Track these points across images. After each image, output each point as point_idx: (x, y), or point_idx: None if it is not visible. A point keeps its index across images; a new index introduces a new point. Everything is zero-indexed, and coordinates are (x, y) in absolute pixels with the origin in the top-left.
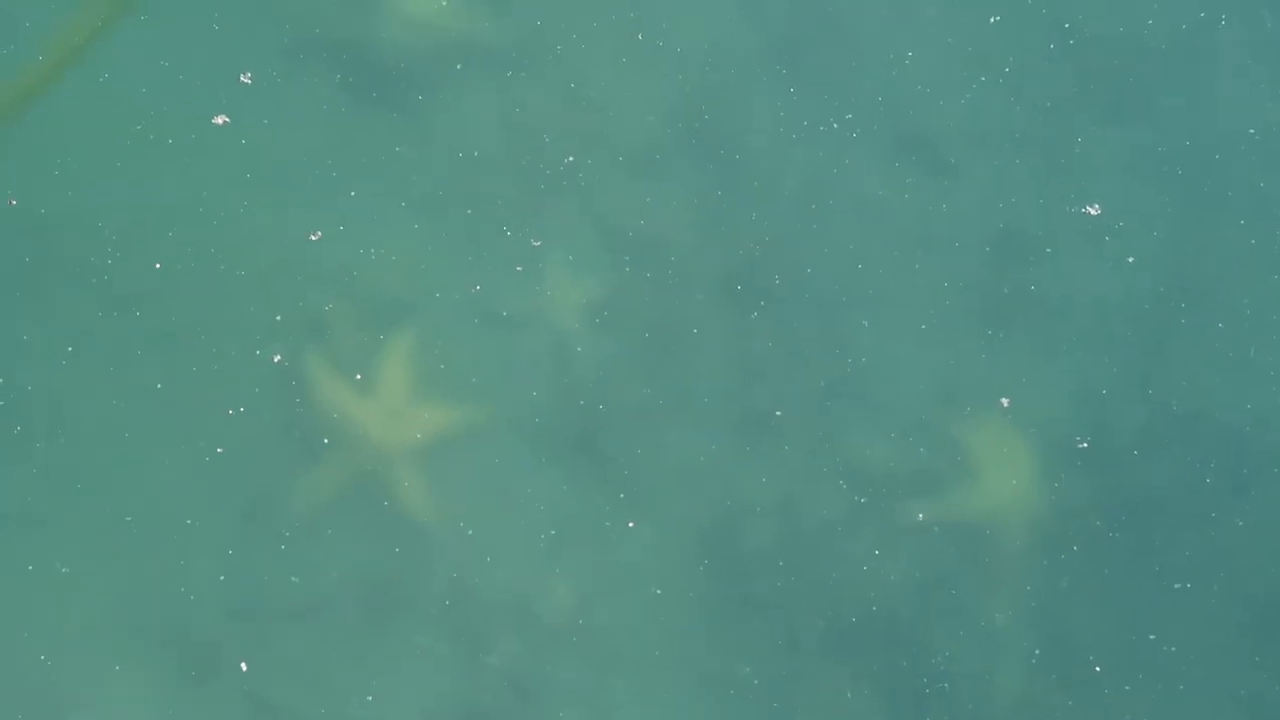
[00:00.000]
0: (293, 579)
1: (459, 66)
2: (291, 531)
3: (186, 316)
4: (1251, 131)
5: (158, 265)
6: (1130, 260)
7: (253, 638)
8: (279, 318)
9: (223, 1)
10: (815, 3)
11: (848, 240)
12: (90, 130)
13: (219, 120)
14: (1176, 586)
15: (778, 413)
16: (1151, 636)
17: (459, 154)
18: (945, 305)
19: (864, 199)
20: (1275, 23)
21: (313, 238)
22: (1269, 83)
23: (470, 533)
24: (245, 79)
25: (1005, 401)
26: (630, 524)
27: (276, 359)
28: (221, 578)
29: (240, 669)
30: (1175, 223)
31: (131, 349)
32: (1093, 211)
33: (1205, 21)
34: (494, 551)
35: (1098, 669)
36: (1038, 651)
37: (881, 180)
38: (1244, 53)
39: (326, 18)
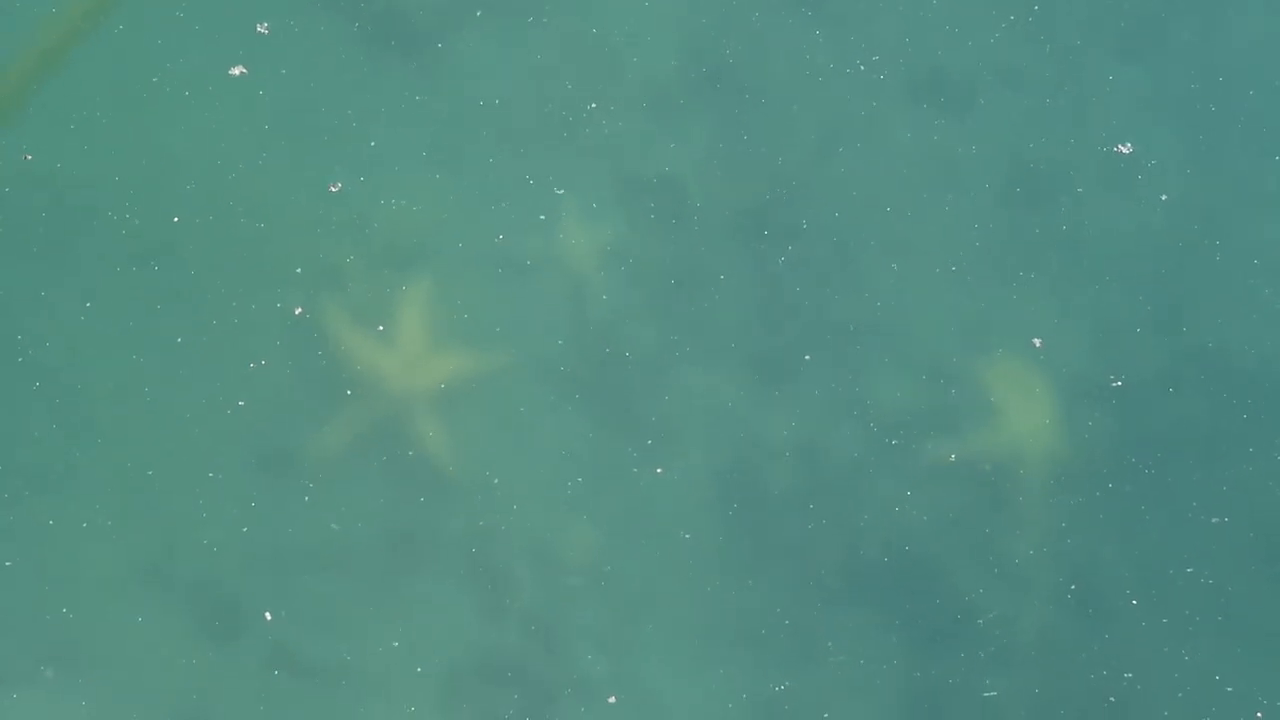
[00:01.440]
0: (316, 529)
1: (478, 13)
2: (314, 482)
3: (205, 270)
4: None
5: (176, 219)
6: (1163, 198)
7: (276, 588)
8: (299, 270)
9: None
10: None
11: (873, 182)
12: (106, 84)
13: (236, 71)
14: (1214, 520)
15: (805, 356)
16: (1189, 570)
17: (479, 102)
18: (973, 246)
19: (890, 140)
20: None
21: (332, 189)
22: None
23: (494, 480)
24: (262, 29)
25: (1038, 342)
26: (657, 470)
27: (298, 311)
28: (244, 529)
29: (264, 619)
30: (1208, 161)
31: (151, 303)
32: (1124, 150)
33: None
34: (517, 499)
35: (1134, 603)
36: (1073, 587)
37: (908, 121)
38: None
39: None
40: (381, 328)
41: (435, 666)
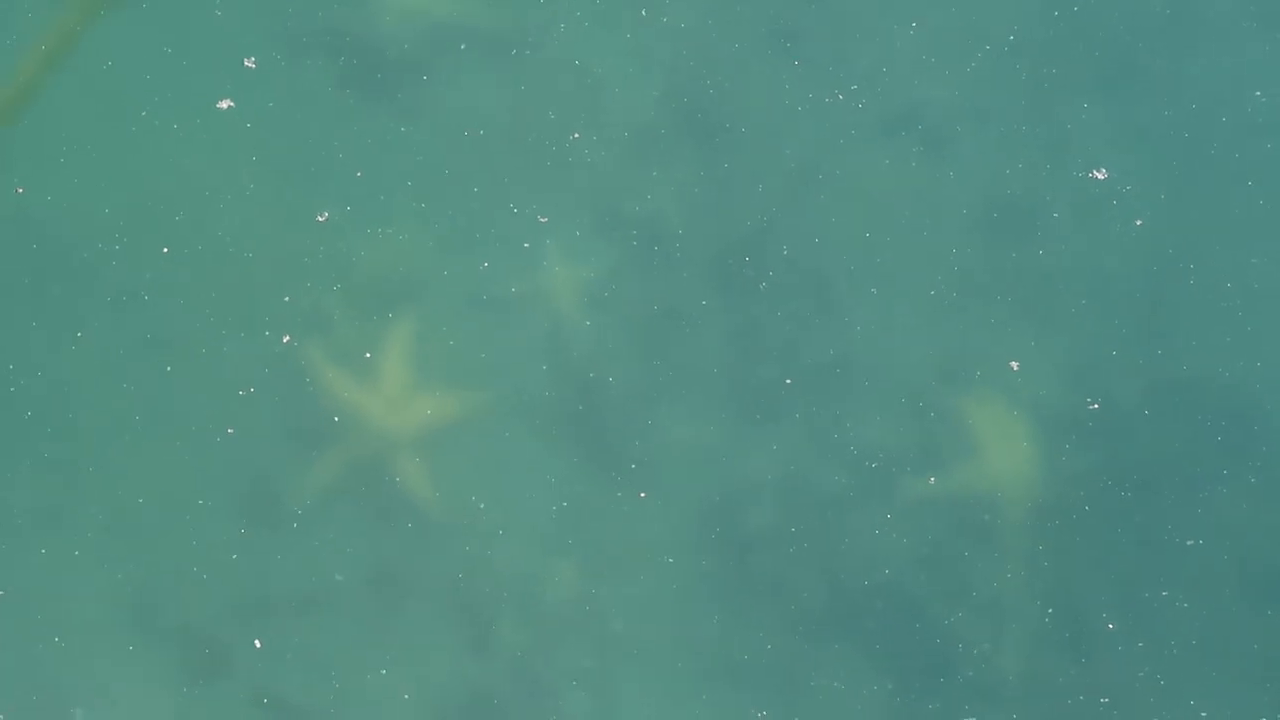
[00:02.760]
0: (300, 566)
1: (462, 46)
2: (301, 512)
3: (194, 301)
4: (1258, 94)
5: (165, 250)
6: (1138, 224)
7: (262, 622)
8: (287, 299)
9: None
10: None
11: (852, 211)
12: (95, 117)
13: (224, 105)
14: (1189, 544)
15: (786, 386)
16: (1164, 593)
17: (464, 133)
18: (951, 274)
19: (868, 170)
20: None
21: (319, 219)
22: (1274, 45)
23: (477, 516)
24: (249, 64)
25: (1015, 365)
26: (640, 498)
27: (285, 340)
28: (230, 562)
29: (250, 654)
30: (1182, 187)
31: (140, 334)
32: (1099, 176)
33: None
34: (500, 534)
35: (1110, 627)
36: (1050, 611)
37: (885, 151)
38: (1249, 17)
39: (330, 1)
40: (368, 355)
41: (419, 704)
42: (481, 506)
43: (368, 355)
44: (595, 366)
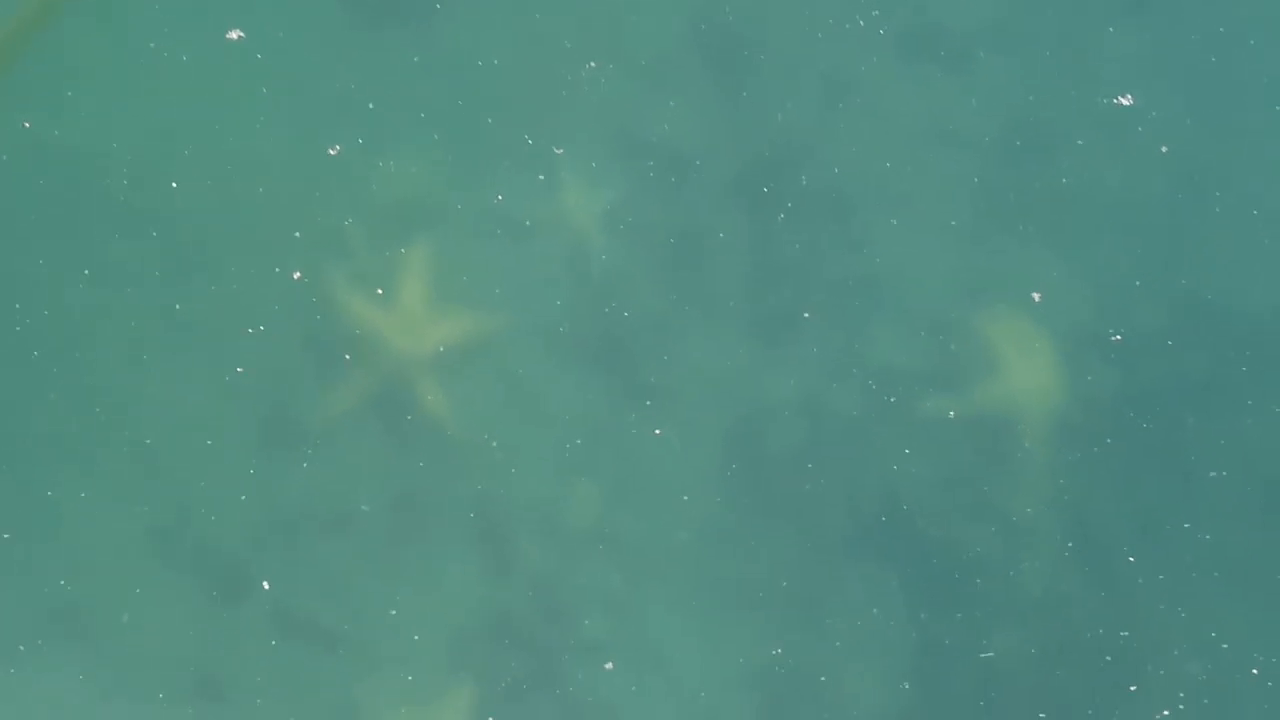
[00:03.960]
0: (317, 494)
1: None
2: (314, 448)
3: (204, 236)
4: None
5: (174, 185)
6: (1164, 150)
7: (279, 554)
8: (298, 234)
9: None
10: None
11: (874, 139)
12: (102, 50)
13: (233, 35)
14: (1212, 475)
15: (805, 314)
16: (1186, 525)
17: (478, 63)
18: (974, 201)
19: (889, 96)
20: None
21: (331, 152)
22: None
23: (494, 443)
24: None
25: (1037, 296)
26: (656, 431)
27: (296, 276)
28: (243, 496)
29: (264, 586)
30: (1209, 112)
31: (149, 270)
32: (1125, 102)
33: None
34: (518, 461)
35: (1131, 559)
36: (1070, 544)
37: (907, 76)
38: None
39: None
40: (381, 291)
41: (436, 631)
42: (499, 432)
43: (380, 291)
44: (612, 294)
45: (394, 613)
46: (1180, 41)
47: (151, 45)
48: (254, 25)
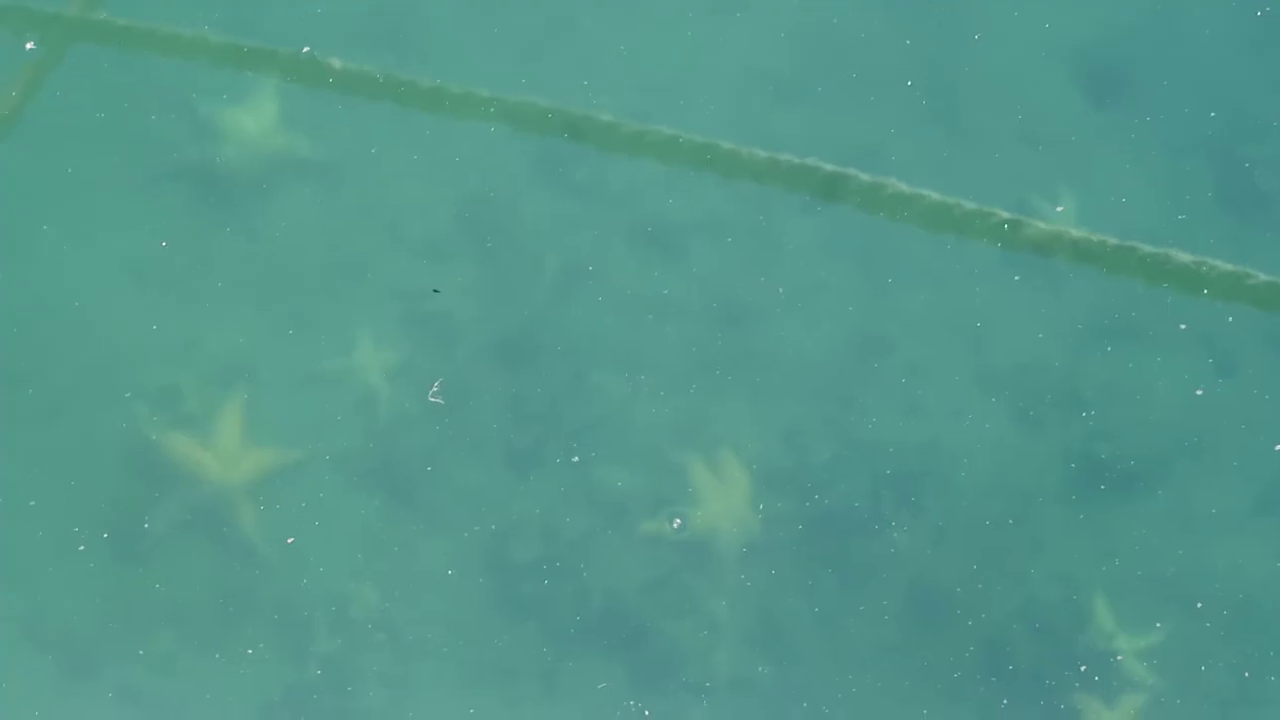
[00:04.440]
0: (156, 593)
1: (289, 178)
2: (155, 556)
3: (62, 388)
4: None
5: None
6: (824, 324)
7: (128, 640)
8: (140, 385)
9: (101, 135)
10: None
11: (600, 311)
12: None
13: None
14: (871, 582)
15: (548, 451)
16: (853, 616)
17: (289, 249)
18: (686, 360)
19: (616, 277)
20: None
21: (156, 324)
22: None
23: (299, 552)
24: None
25: (732, 439)
26: (430, 542)
27: (139, 419)
28: (101, 594)
29: (119, 658)
30: (861, 290)
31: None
32: (781, 291)
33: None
34: (318, 566)
35: (811, 644)
36: (759, 631)
37: (631, 263)
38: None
39: (181, 143)
40: (205, 431)
41: (246, 704)
42: (300, 543)
43: (204, 431)
44: (394, 432)
45: (219, 685)
46: (859, 227)
47: (44, 229)
48: (110, 227)
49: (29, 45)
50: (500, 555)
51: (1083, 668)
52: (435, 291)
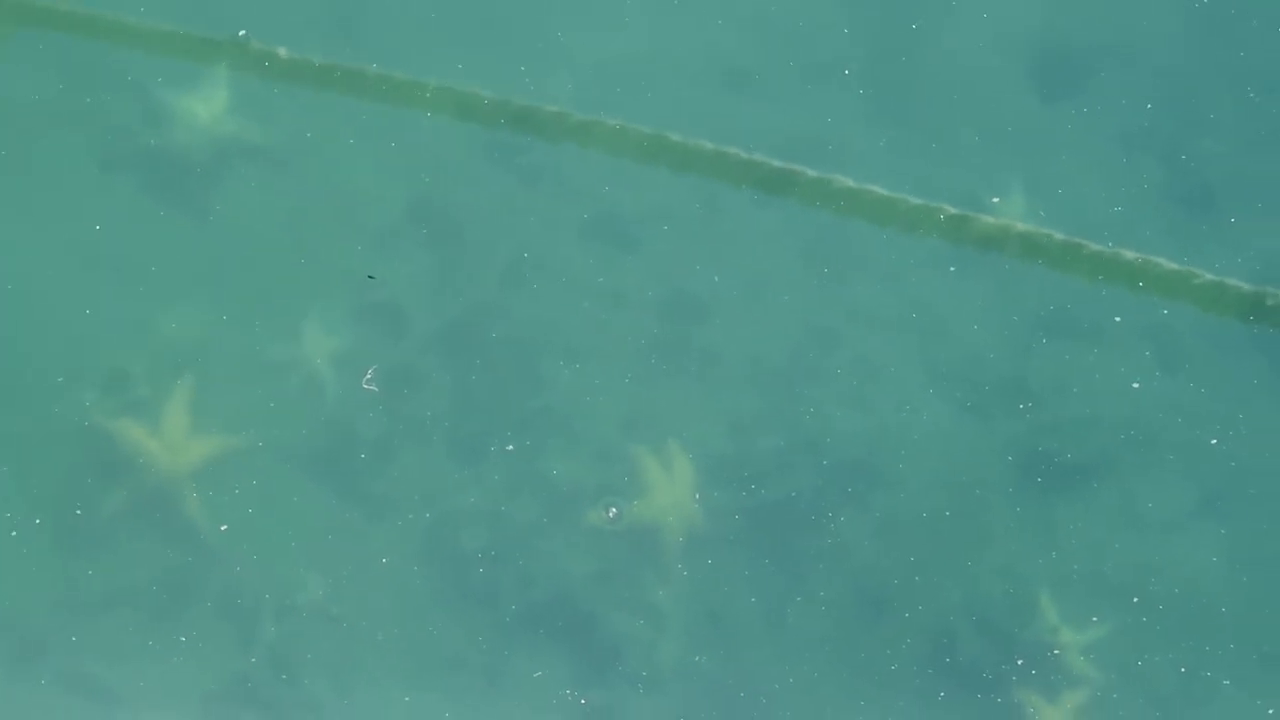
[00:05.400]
0: (104, 578)
1: (238, 164)
2: (103, 541)
3: (11, 370)
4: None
5: None
6: (771, 316)
7: (74, 624)
8: (91, 370)
9: (50, 120)
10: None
11: (548, 301)
12: None
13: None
14: (815, 571)
15: (494, 439)
16: (799, 603)
17: (238, 235)
18: (636, 352)
19: (564, 268)
20: None
21: (104, 309)
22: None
23: (245, 539)
24: None
25: (680, 430)
26: (376, 530)
27: (87, 404)
28: (50, 579)
29: (61, 652)
30: (808, 283)
31: None
32: (729, 284)
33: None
34: (263, 554)
35: (756, 636)
36: (705, 622)
37: (578, 254)
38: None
39: (130, 128)
40: (153, 416)
41: (189, 691)
42: (246, 529)
43: (152, 416)
44: (340, 419)
45: (163, 672)
46: (807, 220)
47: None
48: (71, 212)
49: None
50: (446, 545)
51: (1021, 662)
52: (370, 278)
